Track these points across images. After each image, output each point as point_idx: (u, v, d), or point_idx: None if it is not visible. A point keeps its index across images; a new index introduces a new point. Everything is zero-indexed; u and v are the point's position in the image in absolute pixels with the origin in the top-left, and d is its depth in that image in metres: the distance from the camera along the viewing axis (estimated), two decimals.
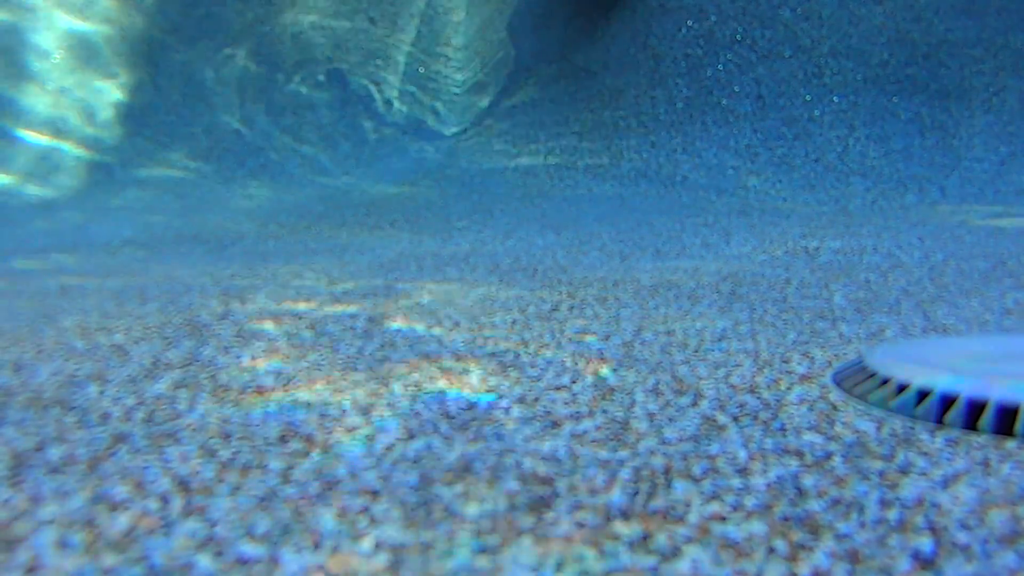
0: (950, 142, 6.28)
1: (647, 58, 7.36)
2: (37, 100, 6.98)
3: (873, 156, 6.22)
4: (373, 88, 7.47)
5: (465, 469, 1.21)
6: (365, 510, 1.07)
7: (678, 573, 0.90)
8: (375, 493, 1.12)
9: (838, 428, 1.37)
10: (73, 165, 6.63)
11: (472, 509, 1.07)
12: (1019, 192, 5.58)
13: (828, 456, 1.24)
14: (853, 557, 0.93)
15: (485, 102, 7.35)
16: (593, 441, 1.32)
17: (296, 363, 1.86)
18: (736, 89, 6.98)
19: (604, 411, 1.48)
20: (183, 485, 1.16)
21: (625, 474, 1.18)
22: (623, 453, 1.26)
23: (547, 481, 1.16)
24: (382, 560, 0.94)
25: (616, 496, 1.10)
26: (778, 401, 1.53)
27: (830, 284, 2.89)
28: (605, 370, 1.77)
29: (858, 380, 1.58)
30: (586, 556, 0.94)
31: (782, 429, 1.37)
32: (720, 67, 7.14)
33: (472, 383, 1.67)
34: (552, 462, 1.23)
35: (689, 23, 7.20)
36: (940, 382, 1.44)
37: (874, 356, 1.66)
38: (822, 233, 4.32)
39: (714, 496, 1.10)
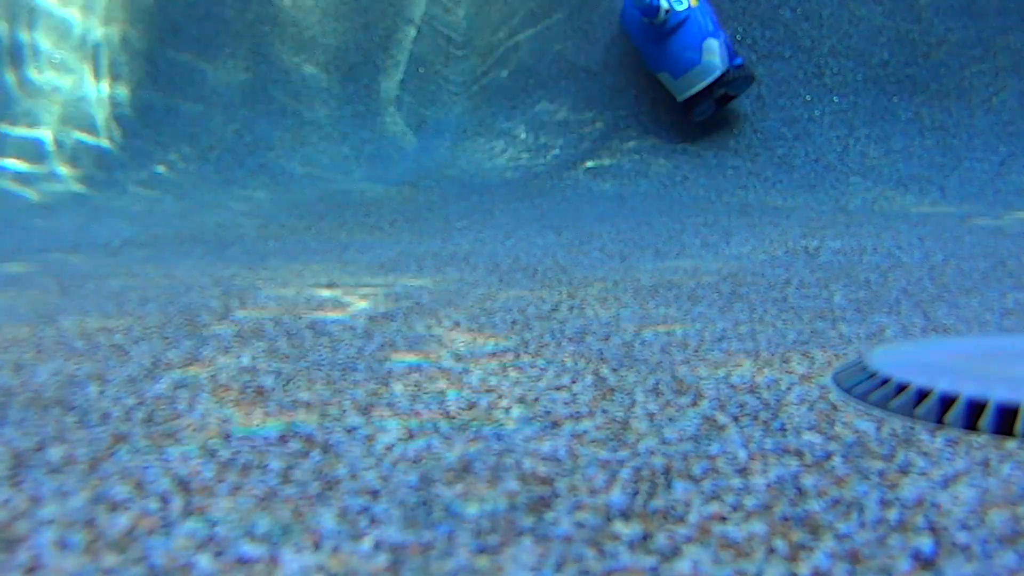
0: (950, 142, 6.28)
1: None
2: (37, 100, 6.98)
3: (873, 156, 6.22)
4: (373, 88, 7.48)
5: (465, 469, 1.21)
6: (365, 510, 1.07)
7: (678, 573, 0.90)
8: (375, 493, 1.12)
9: (838, 428, 1.37)
10: (73, 165, 6.63)
11: (472, 509, 1.07)
12: (1019, 192, 5.58)
13: (828, 456, 1.24)
14: (853, 557, 0.93)
15: (485, 102, 7.36)
16: (593, 441, 1.32)
17: (296, 363, 1.86)
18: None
19: (604, 411, 1.48)
20: (183, 485, 1.16)
21: (625, 474, 1.18)
22: (623, 453, 1.26)
23: (547, 481, 1.16)
24: (382, 560, 0.94)
25: (616, 496, 1.10)
26: (778, 401, 1.53)
27: (830, 284, 2.89)
28: (605, 370, 1.77)
29: (858, 380, 1.58)
30: (586, 556, 0.94)
31: (782, 429, 1.37)
32: None
33: (472, 383, 1.67)
34: (552, 462, 1.23)
35: None
36: (940, 382, 1.44)
37: (874, 356, 1.66)
38: (822, 233, 4.32)
39: (714, 496, 1.10)
